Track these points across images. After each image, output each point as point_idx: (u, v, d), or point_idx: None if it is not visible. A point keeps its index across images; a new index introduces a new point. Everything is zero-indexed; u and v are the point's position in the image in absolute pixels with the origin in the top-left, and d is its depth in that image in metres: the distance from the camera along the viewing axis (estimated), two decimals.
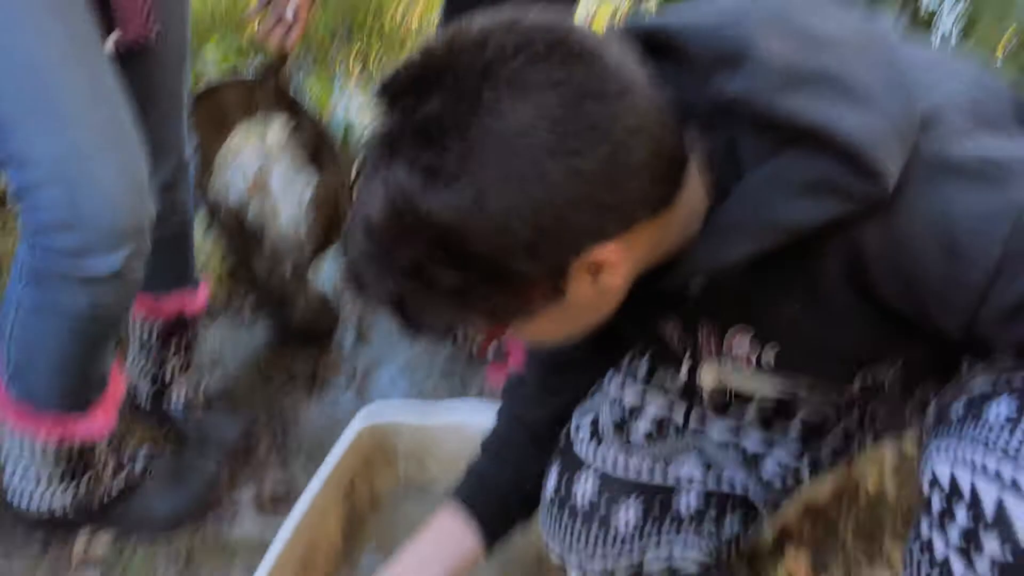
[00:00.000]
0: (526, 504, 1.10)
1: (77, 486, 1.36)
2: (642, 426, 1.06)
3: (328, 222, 2.05)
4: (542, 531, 1.10)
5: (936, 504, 0.72)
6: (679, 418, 1.05)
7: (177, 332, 1.59)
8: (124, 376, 1.58)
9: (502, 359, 1.79)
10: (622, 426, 1.06)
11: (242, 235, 1.90)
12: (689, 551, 1.05)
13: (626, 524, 1.03)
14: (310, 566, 1.24)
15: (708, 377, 0.99)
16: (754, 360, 0.90)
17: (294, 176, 1.94)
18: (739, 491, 1.05)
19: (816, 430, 1.08)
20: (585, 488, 1.05)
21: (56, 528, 1.40)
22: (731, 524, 1.05)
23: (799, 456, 1.08)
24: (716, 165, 0.76)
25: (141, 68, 1.28)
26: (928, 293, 0.71)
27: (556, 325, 0.80)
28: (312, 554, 1.25)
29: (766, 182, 0.72)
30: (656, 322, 0.96)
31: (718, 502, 1.04)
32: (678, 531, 1.04)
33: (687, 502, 1.04)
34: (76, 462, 1.33)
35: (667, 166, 0.73)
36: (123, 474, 1.42)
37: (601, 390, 1.10)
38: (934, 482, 0.73)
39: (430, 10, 3.36)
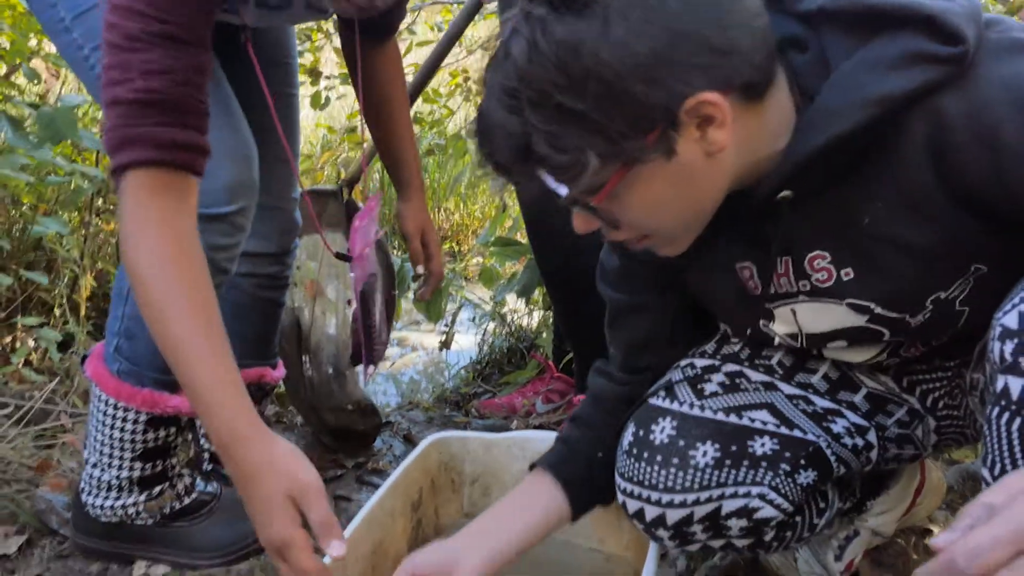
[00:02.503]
0: (611, 477, 1.12)
1: (151, 489, 1.37)
2: (716, 378, 1.11)
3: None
4: (618, 482, 1.10)
5: (1009, 350, 0.75)
6: (752, 375, 1.10)
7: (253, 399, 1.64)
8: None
9: None
10: (696, 382, 1.11)
11: (296, 335, 1.99)
12: (766, 492, 1.04)
13: (704, 456, 1.04)
14: (378, 568, 1.22)
15: (781, 324, 1.05)
16: (831, 281, 0.97)
17: (347, 288, 2.06)
18: (811, 438, 1.07)
19: (880, 400, 1.12)
20: (664, 426, 1.07)
21: (119, 541, 1.39)
22: (806, 474, 1.06)
23: (867, 418, 1.11)
24: (806, 76, 0.88)
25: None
26: (1006, 155, 0.79)
27: (665, 189, 0.87)
28: (380, 559, 1.23)
29: (856, 68, 0.84)
30: (734, 267, 1.04)
31: (793, 451, 1.06)
32: (755, 470, 1.04)
33: (762, 443, 1.05)
34: (157, 455, 1.36)
35: (766, 49, 0.85)
36: (194, 494, 1.43)
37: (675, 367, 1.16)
38: (1004, 334, 0.76)
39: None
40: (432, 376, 2.72)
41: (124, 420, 1.33)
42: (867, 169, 0.88)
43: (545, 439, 1.40)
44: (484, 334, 2.69)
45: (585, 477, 1.13)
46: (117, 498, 1.37)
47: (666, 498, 1.05)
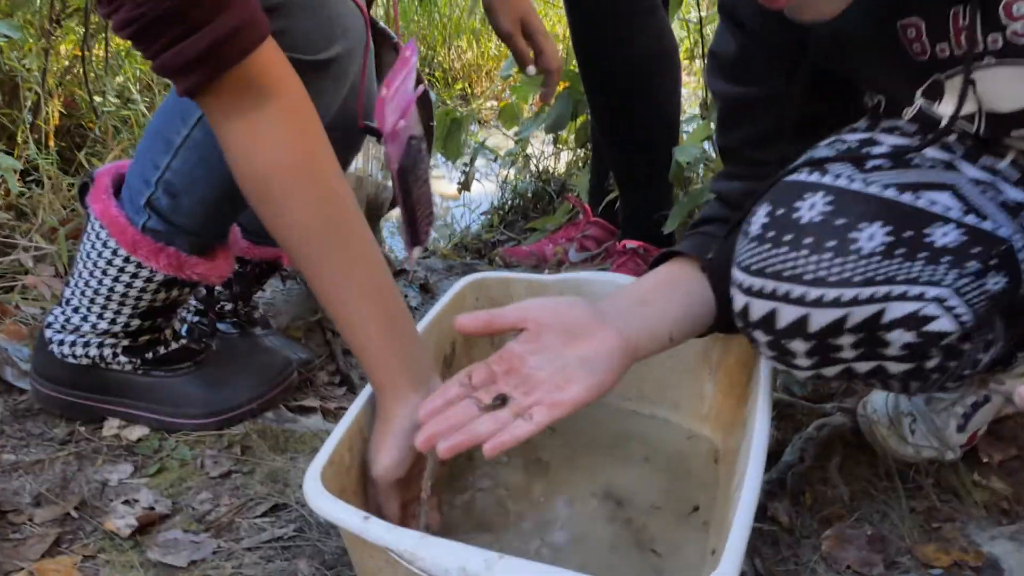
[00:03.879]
0: None
1: (135, 337, 1.15)
2: (878, 151, 0.83)
3: None
4: (737, 279, 0.84)
5: None
6: (926, 151, 0.82)
7: (266, 275, 1.41)
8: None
9: None
10: (852, 155, 0.83)
11: None
12: (946, 295, 0.78)
13: (871, 240, 0.77)
14: None
15: (953, 102, 0.77)
16: None
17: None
18: (1004, 234, 0.81)
19: None
20: (814, 202, 0.80)
21: (87, 390, 1.17)
22: (996, 278, 0.80)
23: None
24: None
25: None
26: None
27: None
28: None
29: None
30: (895, 25, 0.76)
31: (983, 246, 0.79)
32: (934, 265, 0.78)
33: (944, 232, 0.79)
34: (161, 314, 1.15)
35: None
36: (183, 340, 1.20)
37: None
38: None
39: None
40: (450, 224, 2.45)
41: (134, 276, 1.09)
42: None
43: (607, 281, 1.14)
44: (505, 179, 2.39)
45: (728, 276, 0.88)
46: (89, 343, 1.14)
47: (814, 293, 0.79)
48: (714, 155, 1.63)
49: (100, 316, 1.13)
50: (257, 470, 1.11)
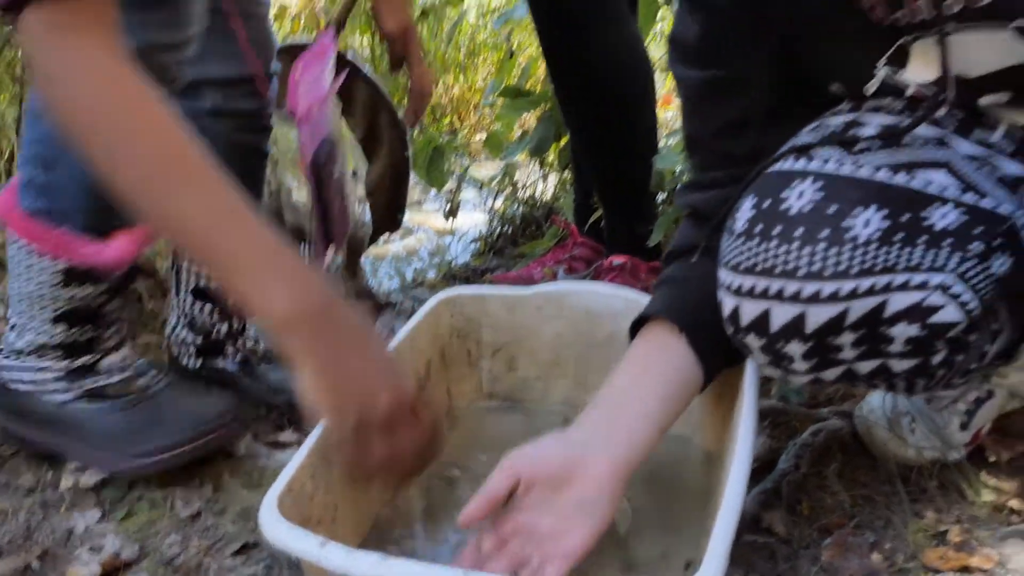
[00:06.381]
0: None
1: (73, 358, 1.10)
2: (866, 132, 0.79)
3: (385, 207, 1.84)
4: (725, 280, 0.80)
5: None
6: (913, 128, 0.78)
7: None
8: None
9: None
10: (838, 137, 0.79)
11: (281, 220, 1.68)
12: (950, 281, 0.74)
13: (867, 226, 0.73)
14: None
15: (919, 67, 0.74)
16: None
17: (345, 158, 1.73)
18: (1005, 211, 0.76)
19: None
20: (803, 190, 0.76)
21: (23, 419, 1.12)
22: (1001, 259, 0.76)
23: None
24: None
25: None
26: None
27: None
28: None
29: None
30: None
31: (986, 226, 0.75)
32: (936, 250, 0.74)
33: (943, 213, 0.74)
34: (84, 319, 1.08)
35: None
36: (127, 372, 1.14)
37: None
38: None
39: None
40: (439, 255, 2.41)
41: (41, 270, 1.04)
42: None
43: (589, 292, 1.10)
44: (493, 207, 2.37)
45: (711, 320, 0.83)
46: (28, 367, 1.10)
47: (809, 288, 0.74)
48: None
49: (26, 328, 1.08)
50: (229, 509, 1.06)
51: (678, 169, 1.50)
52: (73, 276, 1.06)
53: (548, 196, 2.36)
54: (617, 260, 1.64)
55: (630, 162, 1.54)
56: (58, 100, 0.80)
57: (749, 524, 0.97)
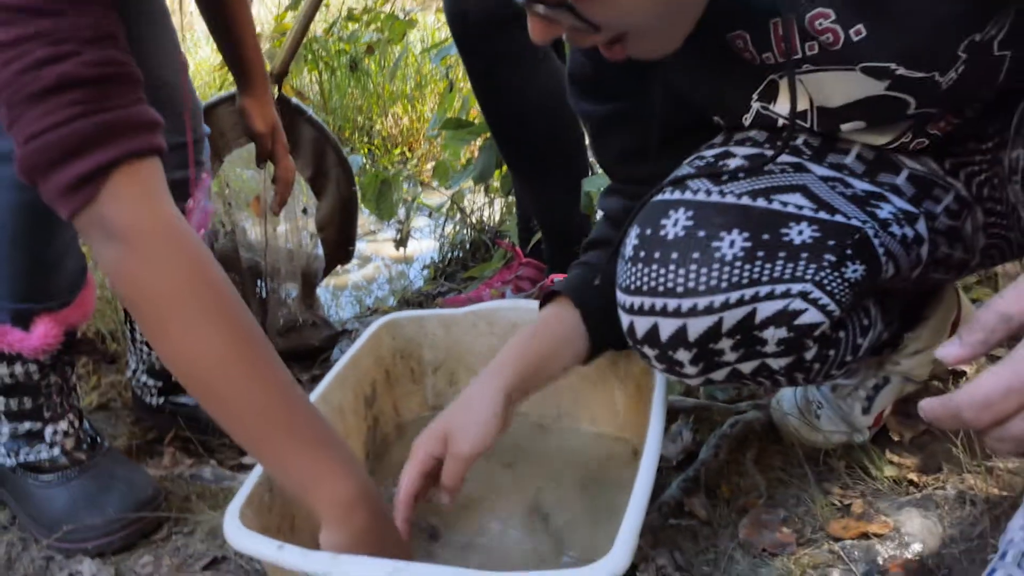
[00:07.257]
0: None
1: (19, 423, 1.15)
2: (733, 163, 0.90)
3: (335, 241, 1.93)
4: (621, 301, 0.90)
5: None
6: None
7: None
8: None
9: None
10: (710, 169, 0.90)
11: (237, 259, 1.77)
12: (809, 289, 0.85)
13: (731, 247, 0.84)
14: None
15: (787, 101, 0.85)
16: (840, 44, 0.78)
17: (296, 196, 1.82)
18: (856, 224, 0.87)
19: (926, 184, 0.93)
20: (677, 219, 0.87)
21: None
22: (854, 267, 0.86)
23: (914, 203, 0.92)
24: None
25: None
26: None
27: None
28: None
29: None
30: (724, 38, 0.84)
31: (837, 238, 0.86)
32: (794, 262, 0.84)
33: (799, 230, 0.85)
34: (23, 392, 1.13)
35: None
36: (68, 444, 1.17)
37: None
38: None
39: None
40: (393, 281, 2.50)
41: None
42: None
43: (517, 308, 1.20)
44: (443, 233, 2.46)
45: (605, 305, 0.95)
46: None
47: (687, 304, 0.85)
48: None
49: None
50: (198, 529, 1.14)
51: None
52: (3, 358, 1.10)
53: (495, 220, 2.46)
54: (557, 278, 1.74)
55: (560, 187, 1.64)
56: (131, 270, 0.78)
57: (674, 510, 1.07)
